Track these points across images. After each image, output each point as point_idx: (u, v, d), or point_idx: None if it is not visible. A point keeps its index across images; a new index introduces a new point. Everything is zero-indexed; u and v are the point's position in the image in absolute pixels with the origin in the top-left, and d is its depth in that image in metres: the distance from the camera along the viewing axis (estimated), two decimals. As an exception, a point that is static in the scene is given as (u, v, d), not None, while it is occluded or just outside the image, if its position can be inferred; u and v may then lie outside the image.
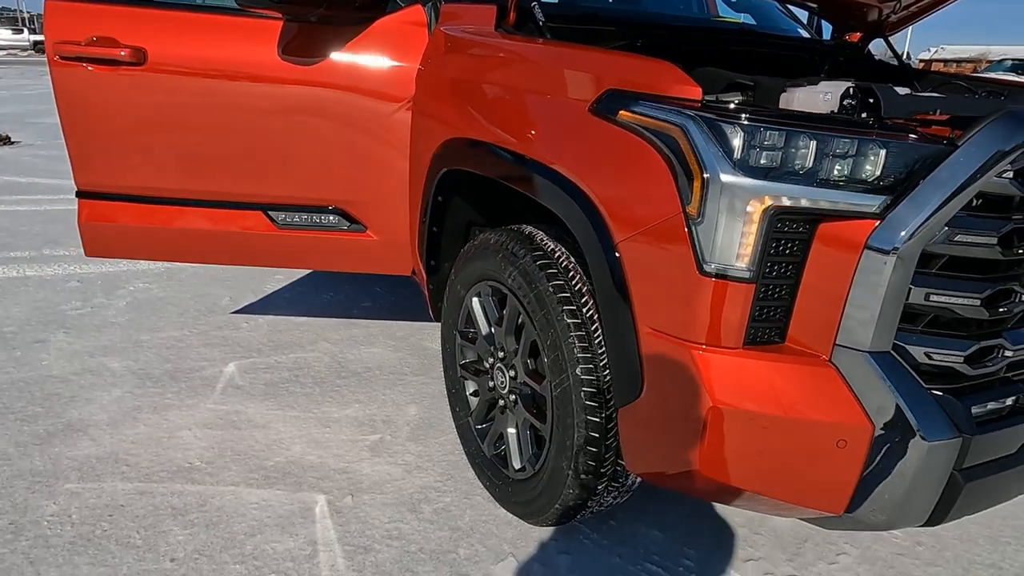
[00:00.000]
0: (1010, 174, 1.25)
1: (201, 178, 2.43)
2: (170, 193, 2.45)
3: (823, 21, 3.18)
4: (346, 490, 2.15)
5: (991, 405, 1.41)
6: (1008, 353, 1.39)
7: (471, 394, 2.22)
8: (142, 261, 4.02)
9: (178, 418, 2.52)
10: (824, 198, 1.26)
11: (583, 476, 1.71)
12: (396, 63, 2.31)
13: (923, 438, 1.29)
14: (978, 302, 1.30)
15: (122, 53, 2.26)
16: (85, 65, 2.27)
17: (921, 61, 51.19)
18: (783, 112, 1.31)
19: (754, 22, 3.24)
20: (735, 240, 1.28)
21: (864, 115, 1.59)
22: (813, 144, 1.26)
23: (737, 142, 1.27)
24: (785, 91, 1.79)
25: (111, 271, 4.04)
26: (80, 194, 2.46)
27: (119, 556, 1.83)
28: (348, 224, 2.52)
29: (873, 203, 1.26)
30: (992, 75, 18.62)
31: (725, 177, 1.27)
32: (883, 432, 1.31)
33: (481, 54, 2.02)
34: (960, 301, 1.30)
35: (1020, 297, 1.35)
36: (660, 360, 1.43)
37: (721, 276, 1.31)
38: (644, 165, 1.39)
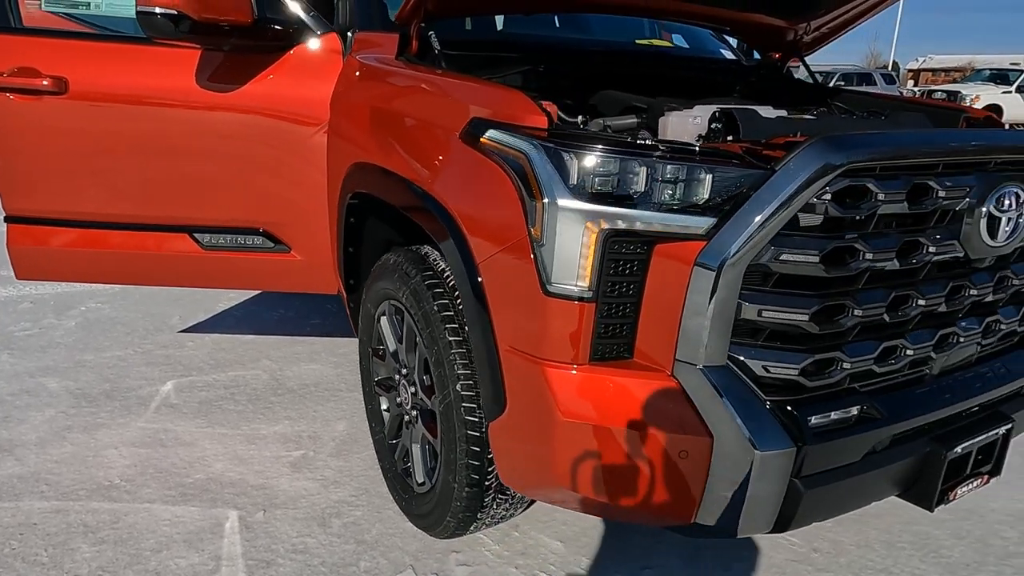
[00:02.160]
0: (829, 196, 1.32)
1: (124, 202, 2.49)
2: (95, 217, 2.51)
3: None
4: (260, 506, 2.20)
5: (835, 415, 1.47)
6: (846, 365, 1.45)
7: (384, 410, 2.27)
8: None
9: (107, 437, 2.57)
10: (655, 221, 1.33)
11: (468, 489, 1.76)
12: (313, 88, 2.39)
13: (756, 448, 1.35)
14: (806, 317, 1.36)
15: (44, 83, 2.33)
16: (8, 95, 2.34)
17: (910, 71, 51.69)
18: (620, 140, 1.38)
19: (687, 45, 3.34)
20: (575, 262, 1.35)
21: (730, 138, 1.67)
22: (644, 170, 1.33)
23: (574, 169, 1.34)
24: (663, 115, 1.86)
25: (65, 292, 4.10)
26: (8, 219, 2.52)
27: (23, 573, 1.88)
28: (272, 245, 2.58)
29: (701, 225, 1.32)
30: (956, 87, 18.78)
31: (563, 202, 1.34)
32: (722, 443, 1.37)
33: (379, 81, 2.10)
34: (789, 317, 1.36)
35: (854, 312, 1.41)
36: (518, 377, 1.49)
37: (564, 296, 1.37)
38: (499, 190, 1.46)
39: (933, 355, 1.60)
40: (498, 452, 1.62)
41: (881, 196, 1.35)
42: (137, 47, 2.39)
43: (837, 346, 1.44)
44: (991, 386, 1.72)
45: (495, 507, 1.85)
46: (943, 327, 1.60)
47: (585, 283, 1.36)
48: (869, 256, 1.37)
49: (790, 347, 1.40)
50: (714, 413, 1.37)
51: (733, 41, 3.32)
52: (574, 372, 1.40)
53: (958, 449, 1.59)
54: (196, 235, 2.56)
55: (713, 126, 1.72)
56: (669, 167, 1.32)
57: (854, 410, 1.49)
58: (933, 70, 50.96)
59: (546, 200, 1.35)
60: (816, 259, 1.33)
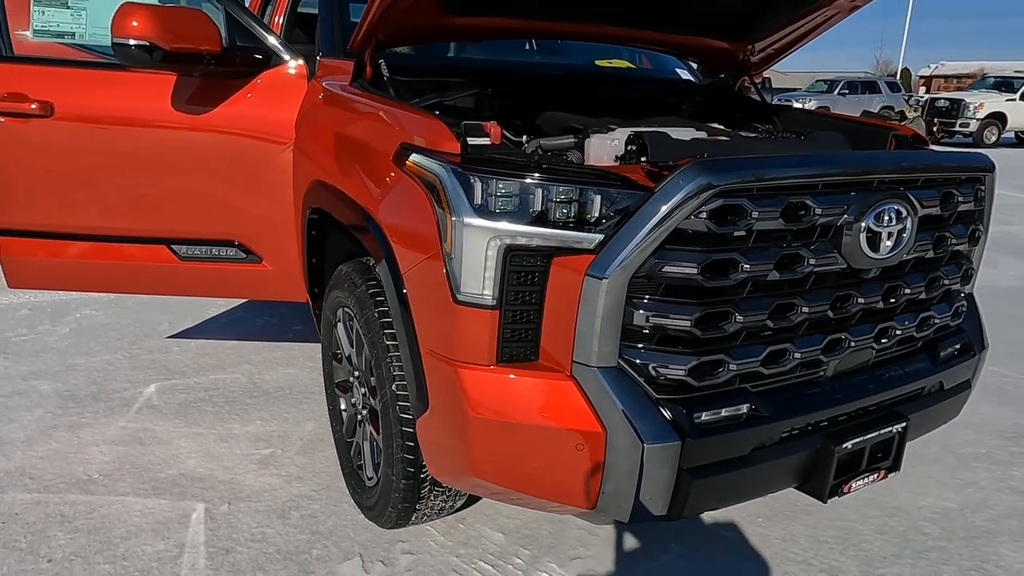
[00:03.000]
0: (705, 214, 1.47)
1: (107, 216, 2.68)
2: (80, 229, 2.70)
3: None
4: (225, 499, 2.37)
5: (725, 412, 1.61)
6: (733, 367, 1.59)
7: (343, 410, 2.44)
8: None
9: (89, 435, 2.74)
10: (550, 237, 1.48)
11: (404, 481, 1.91)
12: (281, 110, 2.57)
13: (643, 441, 1.49)
14: (689, 323, 1.51)
15: (32, 106, 2.53)
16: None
17: (922, 77, 51.50)
18: (521, 163, 1.53)
19: (650, 66, 3.49)
20: (480, 273, 1.50)
21: (643, 158, 1.82)
22: (540, 191, 1.48)
23: (478, 190, 1.50)
24: (588, 136, 2.02)
25: (62, 299, 4.30)
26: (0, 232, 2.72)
27: (2, 558, 2.05)
28: (245, 255, 2.76)
29: (590, 240, 1.47)
30: (960, 95, 18.68)
31: (468, 219, 1.50)
32: (614, 436, 1.52)
33: (334, 105, 2.27)
34: (674, 323, 1.51)
35: (737, 318, 1.56)
36: (437, 377, 1.64)
37: (471, 304, 1.53)
38: (419, 208, 1.62)
39: (823, 358, 1.74)
40: (424, 446, 1.77)
41: (755, 214, 1.50)
42: (118, 73, 2.57)
43: (724, 349, 1.58)
44: (886, 388, 1.85)
45: (432, 498, 2.00)
46: (833, 332, 1.74)
47: (490, 292, 1.51)
48: (747, 268, 1.52)
49: (678, 350, 1.54)
50: (606, 409, 1.51)
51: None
52: (483, 373, 1.56)
53: (848, 445, 1.73)
54: (174, 247, 2.74)
55: (629, 148, 1.88)
56: (562, 188, 1.48)
57: (744, 408, 1.63)
58: (945, 77, 50.75)
59: (454, 218, 1.51)
60: (695, 271, 1.48)
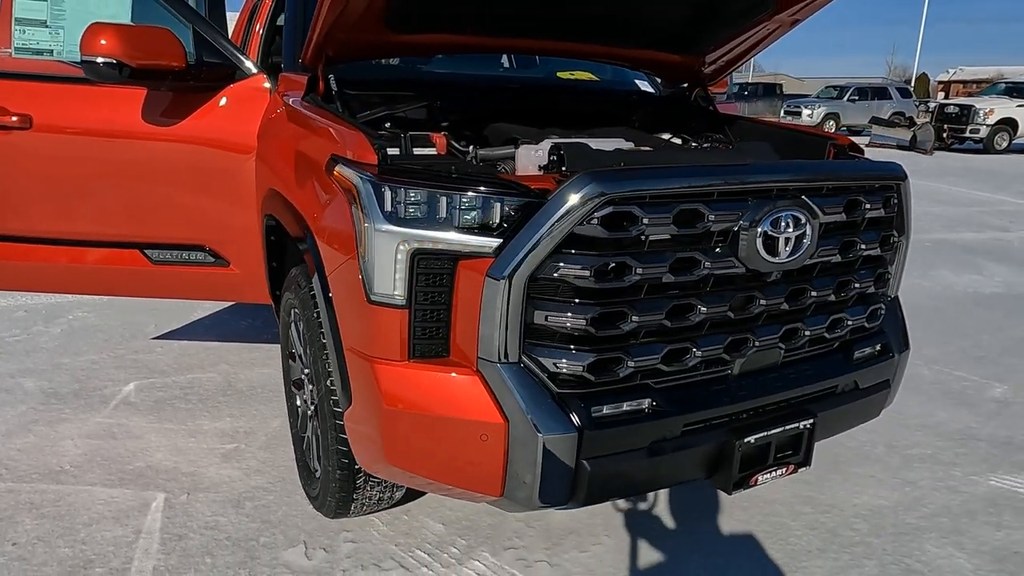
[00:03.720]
0: (596, 220, 1.58)
1: (83, 221, 2.83)
2: (59, 234, 2.86)
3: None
4: (185, 489, 2.50)
5: (626, 406, 1.71)
6: (632, 364, 1.69)
7: (298, 406, 2.56)
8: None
9: (66, 430, 2.89)
10: (454, 241, 1.60)
11: (339, 472, 2.03)
12: (245, 121, 2.71)
13: (540, 432, 1.60)
14: (584, 323, 1.61)
15: (12, 119, 2.69)
16: (-19, 130, 2.71)
17: (940, 83, 51.06)
18: (430, 173, 1.64)
19: (612, 78, 3.59)
20: (390, 275, 1.62)
21: (564, 168, 1.93)
22: (444, 200, 1.60)
23: (388, 198, 1.62)
24: (518, 147, 2.13)
25: (58, 301, 4.48)
26: (-18, 236, 2.88)
27: (-29, 540, 2.20)
28: (214, 260, 2.90)
29: (490, 244, 1.59)
30: (971, 101, 18.51)
31: (379, 226, 1.62)
32: (515, 428, 1.62)
33: (284, 118, 2.41)
34: (571, 322, 1.62)
35: (633, 318, 1.66)
36: (357, 373, 1.76)
37: (383, 304, 1.64)
38: (342, 215, 1.74)
39: (727, 357, 1.84)
40: (350, 437, 1.89)
41: (647, 220, 1.61)
42: (93, 87, 2.72)
43: (622, 347, 1.68)
44: (794, 386, 1.94)
45: (369, 489, 2.12)
46: (736, 333, 1.83)
47: (400, 293, 1.63)
48: (640, 271, 1.63)
49: (576, 348, 1.65)
50: (508, 402, 1.62)
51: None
52: (396, 368, 1.67)
53: (751, 440, 1.82)
54: (146, 251, 2.89)
55: (551, 158, 1.99)
56: (465, 197, 1.59)
57: (645, 403, 1.73)
58: (964, 82, 50.25)
59: (367, 224, 1.63)
60: (588, 274, 1.58)
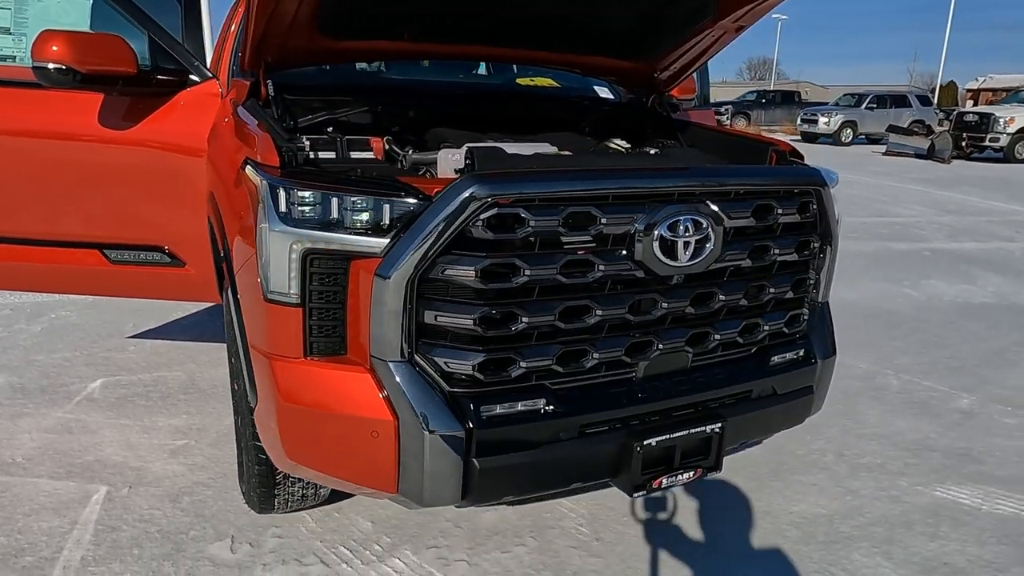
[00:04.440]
0: (482, 222, 1.60)
1: (44, 222, 2.92)
2: (19, 234, 2.95)
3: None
4: (129, 483, 2.56)
5: (521, 406, 1.73)
6: (524, 365, 1.71)
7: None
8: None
9: (26, 424, 2.98)
10: (344, 241, 1.63)
11: (257, 467, 2.08)
12: (198, 125, 2.78)
13: (427, 429, 1.63)
14: (471, 323, 1.64)
15: (-24, 123, 2.79)
16: (-58, 134, 2.81)
17: (969, 91, 50.19)
18: (324, 175, 1.69)
19: (575, 85, 3.62)
20: (284, 274, 1.66)
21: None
22: (335, 201, 1.64)
23: (283, 199, 1.66)
24: (440, 150, 2.17)
25: (44, 300, 4.60)
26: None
27: (-87, 528, 2.28)
28: (170, 260, 2.97)
29: (379, 244, 1.62)
30: (991, 109, 18.08)
31: (274, 226, 1.66)
32: (404, 425, 1.65)
33: (224, 122, 2.47)
34: (458, 322, 1.64)
35: (523, 319, 1.68)
36: (259, 370, 1.81)
37: (278, 302, 1.68)
38: (247, 215, 1.79)
39: (628, 359, 1.85)
40: (260, 434, 1.93)
41: (533, 223, 1.63)
42: (49, 92, 2.80)
43: (514, 348, 1.71)
44: (702, 390, 1.95)
45: (290, 485, 2.16)
46: (638, 336, 1.84)
47: (294, 291, 1.67)
48: (529, 272, 1.65)
49: (466, 347, 1.67)
50: (398, 400, 1.65)
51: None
52: (293, 365, 1.71)
53: (652, 443, 1.83)
54: (106, 251, 2.97)
55: (467, 162, 2.02)
56: (356, 198, 1.63)
57: (541, 403, 1.75)
58: (994, 89, 49.29)
59: (264, 223, 1.67)
60: (474, 274, 1.61)
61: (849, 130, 21.53)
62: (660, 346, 1.88)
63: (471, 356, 1.67)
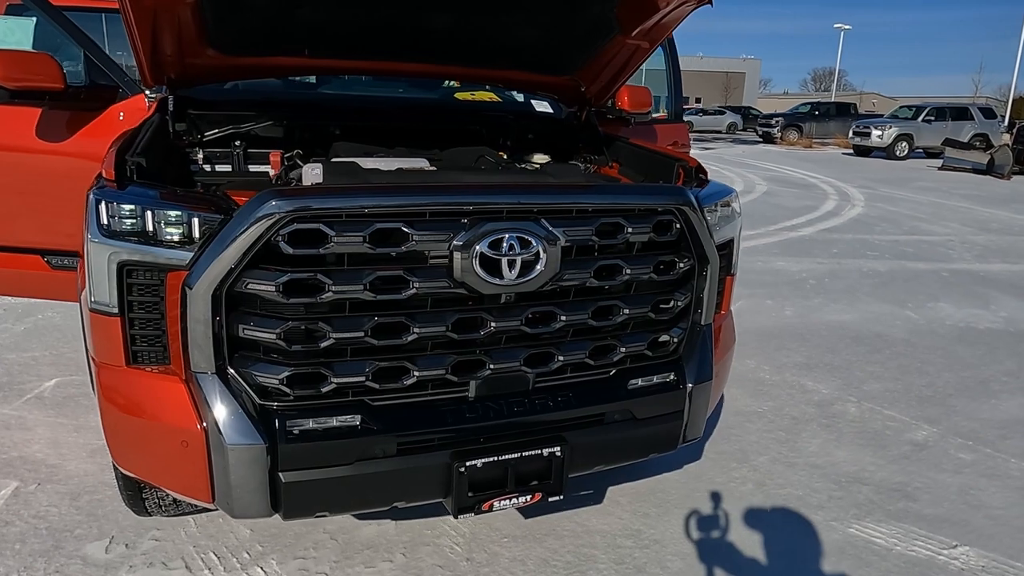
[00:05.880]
0: (283, 238, 1.61)
1: (-7, 228, 3.09)
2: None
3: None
4: (39, 480, 2.67)
5: (335, 421, 1.73)
6: (335, 380, 1.71)
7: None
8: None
9: (-29, 419, 3.14)
10: (154, 254, 1.67)
11: (119, 471, 2.13)
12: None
13: (227, 442, 1.64)
14: (273, 337, 1.65)
15: (-73, 136, 2.97)
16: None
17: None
18: (143, 189, 1.73)
19: (520, 99, 3.62)
20: (104, 284, 1.71)
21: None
22: (149, 215, 1.68)
23: (103, 212, 1.71)
24: (307, 164, 2.20)
25: (36, 302, 4.84)
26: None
27: None
28: (106, 267, 3.09)
29: (184, 257, 1.65)
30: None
31: (93, 238, 1.71)
32: (211, 436, 1.67)
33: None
34: (261, 335, 1.65)
35: (330, 335, 1.68)
36: (93, 377, 1.86)
37: (99, 312, 1.73)
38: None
39: (454, 378, 1.82)
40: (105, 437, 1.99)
41: (336, 239, 1.63)
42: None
43: (323, 363, 1.71)
44: (542, 411, 1.90)
45: (156, 489, 2.21)
46: (465, 355, 1.82)
47: (114, 301, 1.71)
48: (333, 288, 1.65)
49: (273, 361, 1.69)
50: (205, 411, 1.68)
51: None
52: (115, 372, 1.76)
53: (477, 464, 1.79)
54: (47, 257, 3.12)
55: (326, 175, 2.04)
56: (167, 212, 1.67)
57: (356, 419, 1.74)
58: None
59: (87, 235, 1.73)
60: (274, 288, 1.62)
61: (904, 143, 20.63)
62: (492, 366, 1.85)
63: (278, 370, 1.68)
